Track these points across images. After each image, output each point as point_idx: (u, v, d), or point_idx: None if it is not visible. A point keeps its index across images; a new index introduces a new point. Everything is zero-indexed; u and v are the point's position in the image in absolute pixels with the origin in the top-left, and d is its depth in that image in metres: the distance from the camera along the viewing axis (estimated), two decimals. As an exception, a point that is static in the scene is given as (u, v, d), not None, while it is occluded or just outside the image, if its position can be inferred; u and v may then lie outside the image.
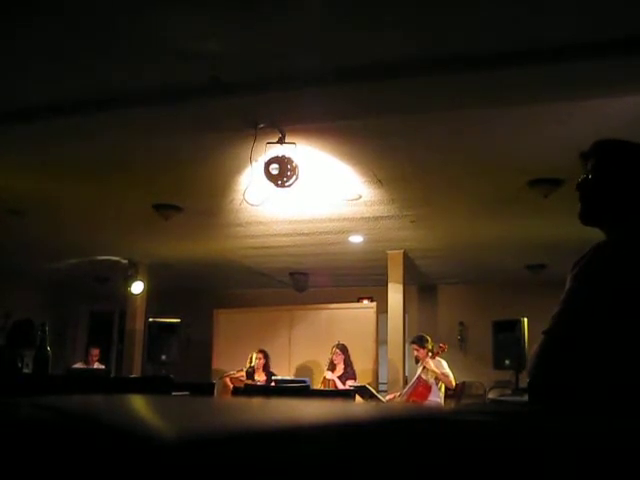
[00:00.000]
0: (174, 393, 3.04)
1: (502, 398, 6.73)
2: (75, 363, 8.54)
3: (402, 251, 7.57)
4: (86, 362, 8.02)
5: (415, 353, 6.51)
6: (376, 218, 6.22)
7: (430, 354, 6.33)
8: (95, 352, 8.04)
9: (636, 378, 1.44)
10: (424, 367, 6.29)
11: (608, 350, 1.48)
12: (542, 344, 1.55)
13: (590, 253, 1.57)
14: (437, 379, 6.30)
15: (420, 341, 6.50)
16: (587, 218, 1.71)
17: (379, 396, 6.23)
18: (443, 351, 6.45)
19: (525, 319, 6.93)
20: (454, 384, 6.45)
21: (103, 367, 8.00)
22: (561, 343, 1.52)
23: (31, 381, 3.27)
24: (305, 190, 5.09)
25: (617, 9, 3.03)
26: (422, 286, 9.73)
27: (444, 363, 6.45)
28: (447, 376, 6.34)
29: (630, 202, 1.66)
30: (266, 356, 7.26)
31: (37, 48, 3.45)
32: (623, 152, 1.71)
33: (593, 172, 1.71)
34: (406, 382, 6.74)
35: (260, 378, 7.08)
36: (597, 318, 1.50)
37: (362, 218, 6.23)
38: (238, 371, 7.18)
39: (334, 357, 6.86)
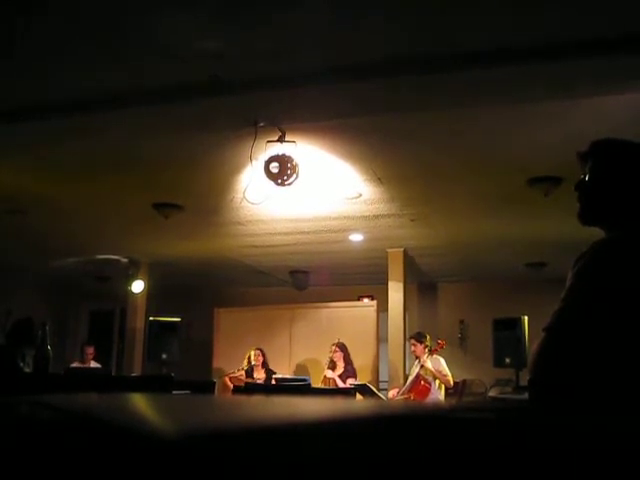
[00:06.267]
0: (175, 392, 3.05)
1: (503, 396, 6.73)
2: (72, 363, 8.53)
3: (402, 249, 7.57)
4: (82, 361, 8.01)
5: (413, 348, 6.53)
6: (376, 216, 6.22)
7: (428, 350, 6.34)
8: (90, 350, 8.02)
9: (636, 375, 1.44)
10: (422, 365, 6.30)
11: (608, 347, 1.48)
12: (542, 341, 1.55)
13: (590, 251, 1.58)
14: (435, 377, 6.31)
15: (418, 336, 6.53)
16: (586, 218, 1.72)
17: (380, 394, 6.23)
18: (442, 347, 6.46)
19: (525, 317, 6.93)
20: (452, 383, 6.45)
21: (99, 366, 7.99)
22: (561, 340, 1.52)
23: (32, 380, 3.27)
24: (305, 188, 5.09)
25: (617, 9, 3.03)
26: (422, 284, 9.73)
27: (443, 362, 6.46)
28: (445, 375, 6.34)
29: (629, 201, 1.66)
30: (263, 354, 7.26)
31: (37, 48, 3.45)
32: (621, 152, 1.71)
33: (591, 172, 1.71)
34: (406, 380, 6.75)
35: (259, 376, 7.08)
36: (597, 315, 1.50)
37: (362, 216, 6.23)
38: (238, 370, 7.18)
39: (334, 356, 6.87)
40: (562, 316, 1.53)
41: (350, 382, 6.52)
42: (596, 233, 1.68)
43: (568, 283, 1.56)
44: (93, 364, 7.94)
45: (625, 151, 1.71)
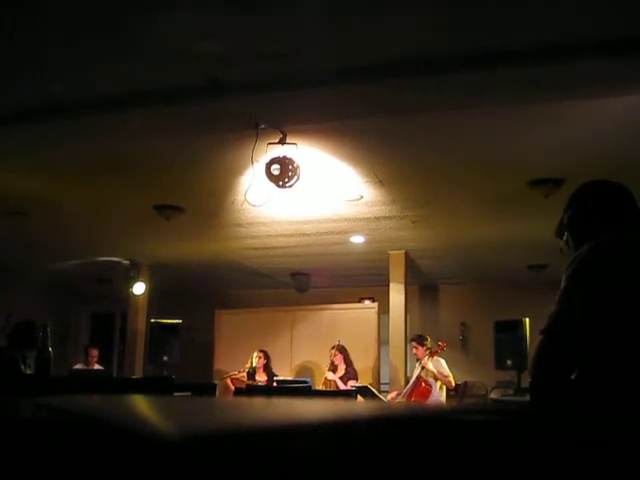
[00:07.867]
0: (176, 394, 3.04)
1: (504, 398, 6.72)
2: (75, 364, 8.53)
3: (403, 251, 7.57)
4: (86, 363, 7.98)
5: (414, 351, 6.56)
6: (377, 218, 6.22)
7: (429, 352, 6.35)
8: (94, 353, 7.97)
9: (632, 373, 1.44)
10: (423, 367, 6.31)
11: (603, 347, 1.49)
12: (540, 344, 1.57)
13: (583, 253, 1.60)
14: (436, 379, 6.32)
15: (419, 339, 6.56)
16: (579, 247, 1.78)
17: (381, 396, 6.23)
18: (442, 349, 6.47)
19: (527, 319, 6.92)
20: (454, 384, 6.46)
21: (102, 368, 7.97)
22: (558, 342, 1.54)
23: (33, 382, 3.27)
24: (306, 191, 5.09)
25: (617, 9, 3.03)
26: (424, 286, 9.73)
27: (443, 363, 6.47)
28: (446, 376, 6.36)
29: (609, 220, 1.73)
30: (267, 356, 7.26)
31: (37, 48, 3.46)
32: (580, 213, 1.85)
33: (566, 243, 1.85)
34: (407, 382, 6.75)
35: (261, 379, 7.08)
36: (591, 316, 1.51)
37: (363, 218, 6.23)
38: (239, 372, 7.17)
39: (334, 358, 6.87)
40: (557, 318, 1.55)
41: (351, 384, 6.51)
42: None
43: (562, 285, 1.59)
44: (97, 367, 7.92)
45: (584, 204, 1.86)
